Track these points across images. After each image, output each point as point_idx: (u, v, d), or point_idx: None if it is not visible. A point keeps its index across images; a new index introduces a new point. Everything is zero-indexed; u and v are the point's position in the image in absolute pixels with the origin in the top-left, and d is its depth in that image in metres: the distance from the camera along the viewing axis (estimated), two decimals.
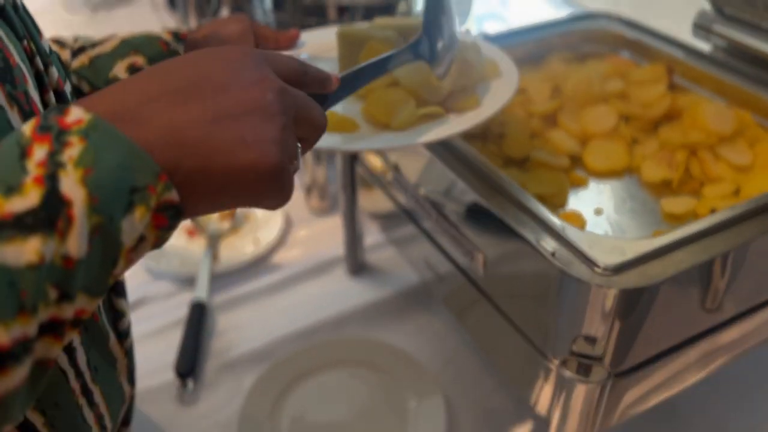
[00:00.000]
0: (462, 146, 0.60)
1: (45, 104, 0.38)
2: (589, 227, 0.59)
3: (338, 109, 0.56)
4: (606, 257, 0.47)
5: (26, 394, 0.26)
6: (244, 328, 0.84)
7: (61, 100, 0.40)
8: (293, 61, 0.37)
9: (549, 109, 0.72)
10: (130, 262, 0.29)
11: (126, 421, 0.50)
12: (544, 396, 0.54)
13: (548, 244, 0.49)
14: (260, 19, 1.01)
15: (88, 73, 0.55)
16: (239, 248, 0.96)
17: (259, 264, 0.94)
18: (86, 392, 0.41)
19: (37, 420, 0.36)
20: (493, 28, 1.35)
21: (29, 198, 0.25)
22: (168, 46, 0.57)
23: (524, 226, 0.51)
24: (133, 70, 0.56)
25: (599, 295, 0.46)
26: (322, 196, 1.02)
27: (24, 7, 0.40)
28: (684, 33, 0.80)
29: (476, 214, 0.57)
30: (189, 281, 0.91)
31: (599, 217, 0.61)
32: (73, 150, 0.27)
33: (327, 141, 0.52)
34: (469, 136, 0.65)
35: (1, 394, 0.25)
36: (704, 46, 0.79)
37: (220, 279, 0.91)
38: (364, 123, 0.56)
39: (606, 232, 0.59)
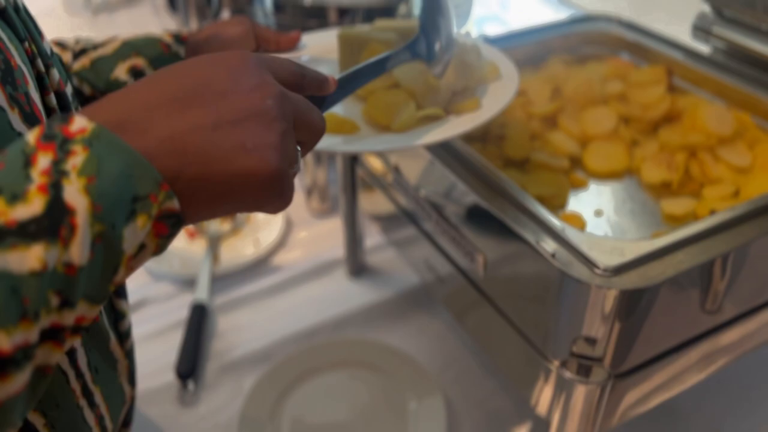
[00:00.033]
0: (462, 148, 0.60)
1: (46, 106, 0.38)
2: (589, 228, 0.59)
3: (339, 110, 0.57)
4: (606, 258, 0.47)
5: (26, 400, 0.27)
6: (245, 329, 0.84)
7: (62, 101, 0.40)
8: (291, 64, 0.37)
9: (549, 110, 0.72)
10: (130, 270, 0.30)
11: (126, 422, 0.50)
12: (544, 397, 0.54)
13: (548, 246, 0.49)
14: (261, 21, 1.01)
15: (89, 74, 0.55)
16: (240, 250, 0.96)
17: (260, 265, 0.94)
18: (87, 393, 0.41)
19: (37, 421, 0.36)
20: (493, 30, 1.35)
21: (33, 206, 0.26)
22: (169, 48, 0.57)
23: (524, 228, 0.51)
24: (134, 71, 0.56)
25: (599, 296, 0.46)
26: (322, 198, 1.02)
27: (25, 9, 0.40)
28: (683, 35, 0.80)
29: (476, 216, 0.57)
30: (189, 283, 0.91)
31: (599, 218, 0.61)
32: (77, 159, 0.27)
33: (328, 142, 0.52)
34: (469, 137, 0.65)
35: (2, 399, 0.25)
36: (704, 48, 0.79)
37: (221, 280, 0.91)
38: (365, 125, 0.56)
39: (606, 233, 0.59)
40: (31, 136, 0.28)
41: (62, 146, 0.27)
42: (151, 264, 0.92)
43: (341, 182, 0.83)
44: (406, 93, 0.56)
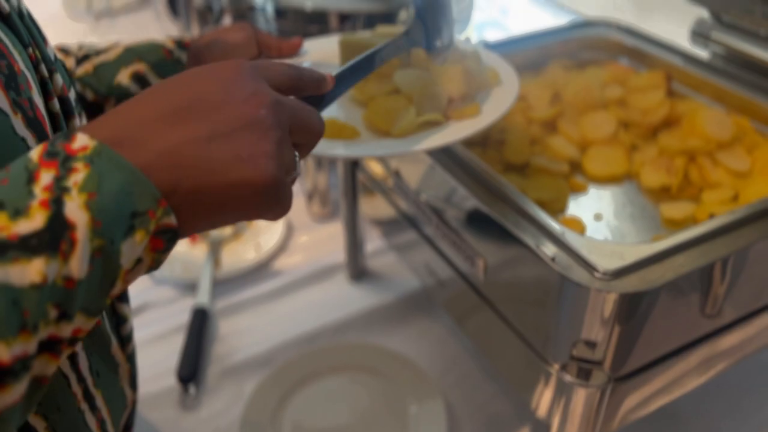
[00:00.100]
0: (462, 152, 0.60)
1: (49, 111, 0.38)
2: (588, 232, 0.59)
3: (339, 116, 0.57)
4: (605, 262, 0.47)
5: (22, 410, 0.27)
6: (246, 333, 0.84)
7: (66, 106, 0.40)
8: (286, 67, 0.37)
9: (549, 115, 0.72)
10: (126, 283, 0.30)
11: (128, 426, 0.50)
12: (544, 400, 0.54)
13: (548, 249, 0.49)
14: (262, 27, 1.02)
15: (92, 80, 0.56)
16: (241, 254, 0.96)
17: (261, 270, 0.94)
18: (88, 397, 0.41)
19: (38, 424, 0.37)
20: (494, 36, 1.36)
21: (35, 221, 0.26)
22: (171, 54, 0.58)
23: (524, 232, 0.52)
24: (136, 77, 0.56)
25: (599, 299, 0.47)
26: (323, 203, 1.02)
27: (30, 15, 0.41)
28: (682, 40, 0.81)
29: (477, 220, 0.58)
30: (191, 287, 0.91)
31: (599, 222, 0.61)
32: (78, 176, 0.28)
33: (328, 147, 0.52)
34: (469, 142, 0.66)
35: (0, 409, 0.25)
36: (702, 53, 0.79)
37: (222, 285, 0.91)
38: (365, 130, 0.56)
39: (606, 237, 0.60)
40: (35, 153, 0.28)
41: (64, 163, 0.28)
42: None
43: (342, 187, 0.84)
44: (406, 99, 0.56)
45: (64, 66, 0.47)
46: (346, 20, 0.96)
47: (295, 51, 0.64)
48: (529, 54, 0.82)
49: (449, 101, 0.56)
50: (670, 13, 0.97)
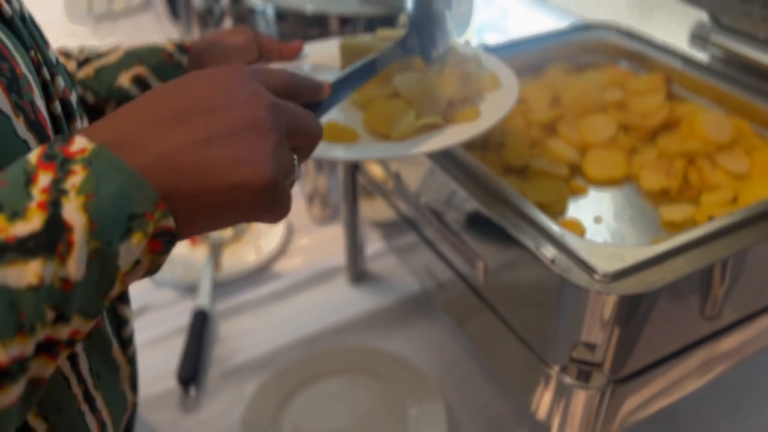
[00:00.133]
0: (462, 155, 0.60)
1: (51, 113, 0.38)
2: (588, 235, 0.60)
3: (339, 119, 0.57)
4: (605, 264, 0.48)
5: (19, 412, 0.27)
6: (246, 335, 0.84)
7: (67, 109, 0.41)
8: (284, 73, 0.38)
9: (549, 118, 0.72)
10: (125, 285, 0.30)
11: (128, 428, 0.50)
12: (544, 402, 0.54)
13: (548, 252, 0.50)
14: (263, 31, 1.02)
15: (93, 83, 0.56)
16: (241, 256, 0.96)
17: (261, 272, 0.94)
18: (89, 399, 0.41)
19: (39, 426, 0.37)
20: (494, 39, 1.36)
21: (32, 222, 0.26)
22: (172, 57, 0.58)
23: (524, 234, 0.52)
24: (137, 80, 0.56)
25: (598, 301, 0.47)
26: (323, 205, 1.02)
27: (31, 18, 0.41)
28: (681, 43, 0.81)
29: (477, 222, 0.58)
30: (191, 289, 0.91)
31: (598, 224, 0.62)
32: (76, 178, 0.28)
33: (328, 150, 0.52)
34: (469, 145, 0.66)
35: None
36: (702, 56, 0.79)
37: (222, 287, 0.92)
38: (365, 133, 0.56)
39: (605, 239, 0.60)
40: (33, 155, 0.28)
41: (62, 166, 0.28)
42: None
43: (342, 189, 0.84)
44: (405, 102, 0.56)
45: (65, 69, 0.47)
46: (346, 24, 0.96)
47: (295, 54, 0.64)
48: (529, 57, 0.82)
49: (449, 104, 0.57)
50: (669, 17, 0.97)
